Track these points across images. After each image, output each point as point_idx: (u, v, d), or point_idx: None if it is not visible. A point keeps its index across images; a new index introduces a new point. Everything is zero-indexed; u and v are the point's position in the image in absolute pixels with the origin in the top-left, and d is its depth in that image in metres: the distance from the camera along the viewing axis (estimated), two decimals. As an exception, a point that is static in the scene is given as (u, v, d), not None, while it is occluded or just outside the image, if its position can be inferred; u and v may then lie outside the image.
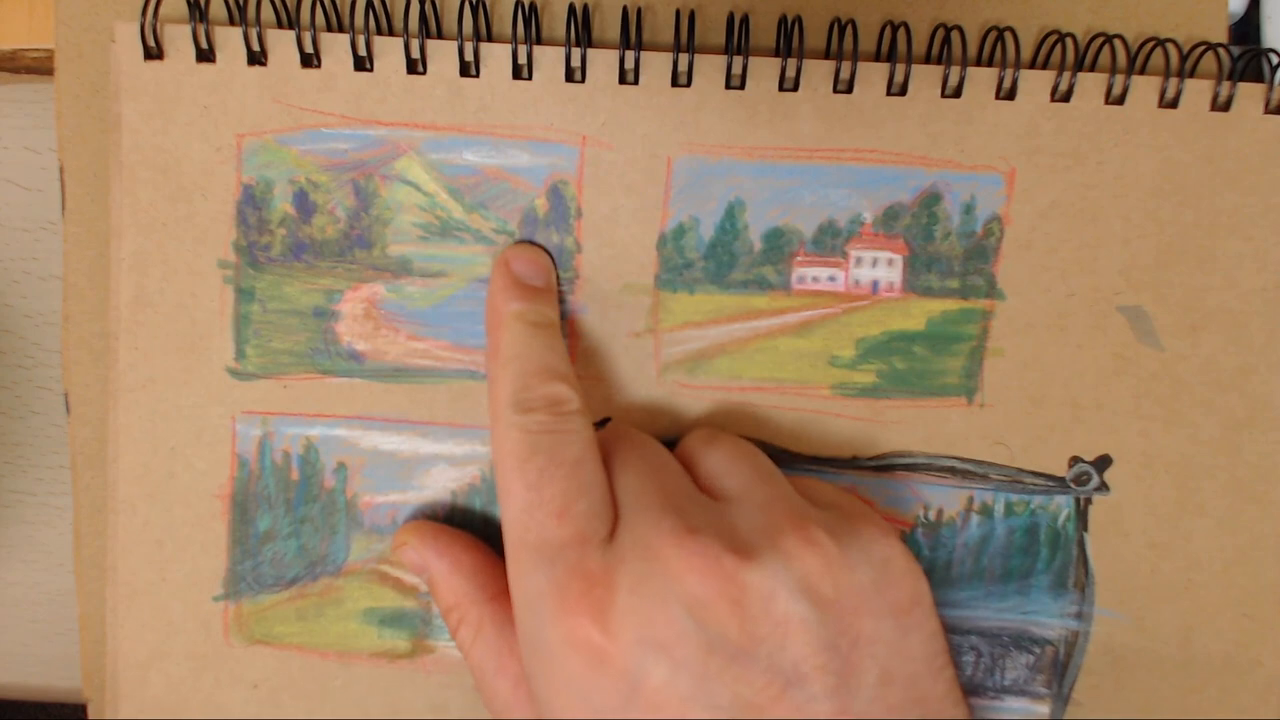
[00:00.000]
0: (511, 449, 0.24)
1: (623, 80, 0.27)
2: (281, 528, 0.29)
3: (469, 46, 0.27)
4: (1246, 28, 0.29)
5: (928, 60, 0.27)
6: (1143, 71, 0.27)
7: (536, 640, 0.22)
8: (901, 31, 0.27)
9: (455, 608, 0.26)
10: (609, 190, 0.27)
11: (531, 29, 0.27)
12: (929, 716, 0.22)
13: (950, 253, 0.28)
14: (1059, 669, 0.29)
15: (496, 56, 0.27)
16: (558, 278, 0.28)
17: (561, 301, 0.28)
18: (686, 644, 0.21)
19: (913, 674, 0.23)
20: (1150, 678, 0.29)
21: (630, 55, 0.27)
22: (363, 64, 0.27)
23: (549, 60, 0.27)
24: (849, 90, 0.27)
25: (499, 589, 0.26)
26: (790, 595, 0.22)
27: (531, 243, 0.27)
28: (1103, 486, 0.28)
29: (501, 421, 0.24)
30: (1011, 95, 0.27)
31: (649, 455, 0.25)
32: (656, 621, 0.21)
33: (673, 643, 0.21)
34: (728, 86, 0.27)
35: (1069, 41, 0.27)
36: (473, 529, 0.28)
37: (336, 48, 0.27)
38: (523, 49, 0.27)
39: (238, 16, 0.27)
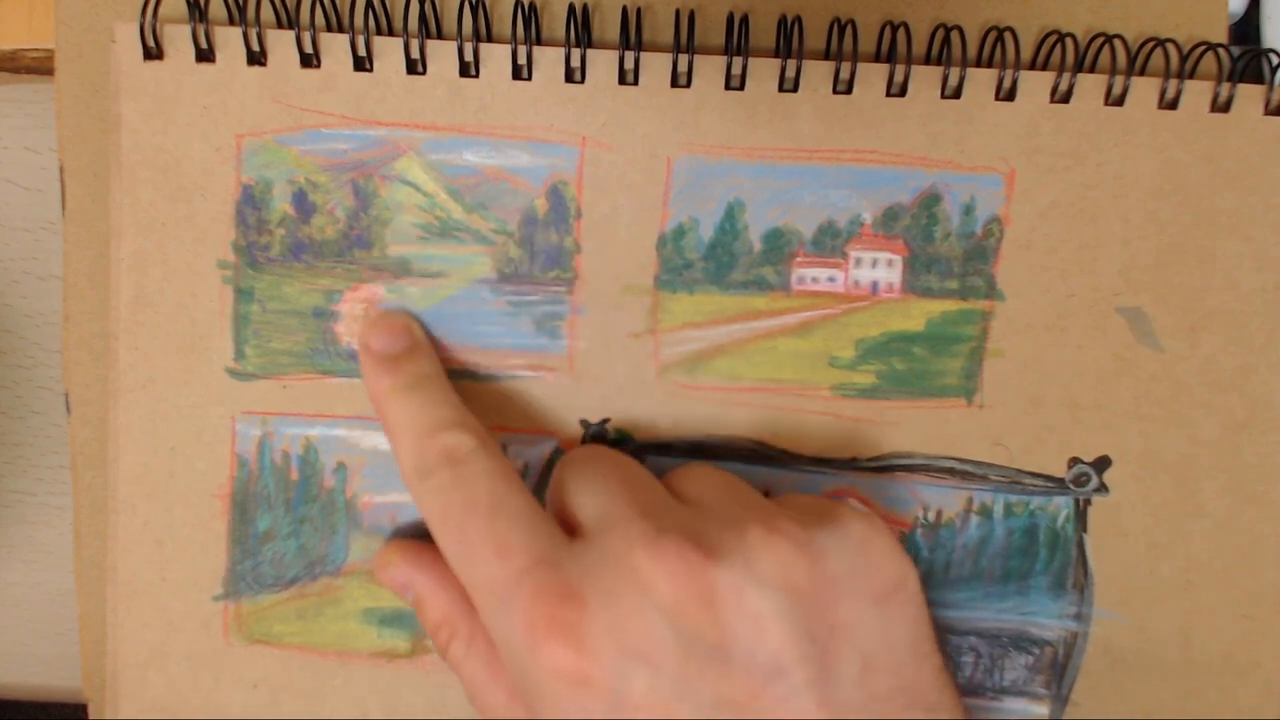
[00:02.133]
0: (430, 516, 0.24)
1: (622, 81, 0.27)
2: (281, 528, 0.29)
3: (469, 47, 0.27)
4: (1246, 28, 0.29)
5: (928, 61, 0.27)
6: (1143, 72, 0.27)
7: (520, 672, 0.22)
8: (901, 32, 0.27)
9: (444, 624, 0.26)
10: (609, 190, 0.27)
11: (531, 29, 0.27)
12: (914, 704, 0.22)
13: (950, 253, 0.28)
14: (1058, 670, 0.29)
15: (496, 57, 0.27)
16: (422, 326, 0.28)
17: (561, 301, 0.28)
18: (664, 650, 0.21)
19: (897, 661, 0.22)
20: (1149, 679, 0.29)
21: (630, 55, 0.27)
22: (363, 64, 0.27)
23: (549, 60, 0.27)
24: (849, 91, 0.27)
25: None
26: (761, 589, 0.21)
27: (387, 311, 0.28)
28: (1102, 487, 0.28)
29: (414, 493, 0.25)
30: (1011, 96, 0.27)
31: (616, 467, 0.25)
32: (632, 631, 0.21)
33: (651, 650, 0.21)
34: (727, 87, 0.27)
35: (1069, 42, 0.27)
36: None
37: (336, 48, 0.27)
38: (523, 49, 0.27)
39: (238, 16, 0.27)
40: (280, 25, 0.27)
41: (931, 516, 0.29)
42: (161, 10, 0.27)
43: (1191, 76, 0.27)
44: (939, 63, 0.27)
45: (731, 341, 0.28)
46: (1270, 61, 0.27)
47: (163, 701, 0.29)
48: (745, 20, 0.27)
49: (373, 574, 0.29)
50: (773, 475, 0.28)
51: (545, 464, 0.28)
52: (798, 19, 0.27)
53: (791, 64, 0.27)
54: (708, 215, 0.27)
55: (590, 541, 0.23)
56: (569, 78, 0.27)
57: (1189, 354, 0.28)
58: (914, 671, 0.23)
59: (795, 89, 0.27)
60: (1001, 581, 0.29)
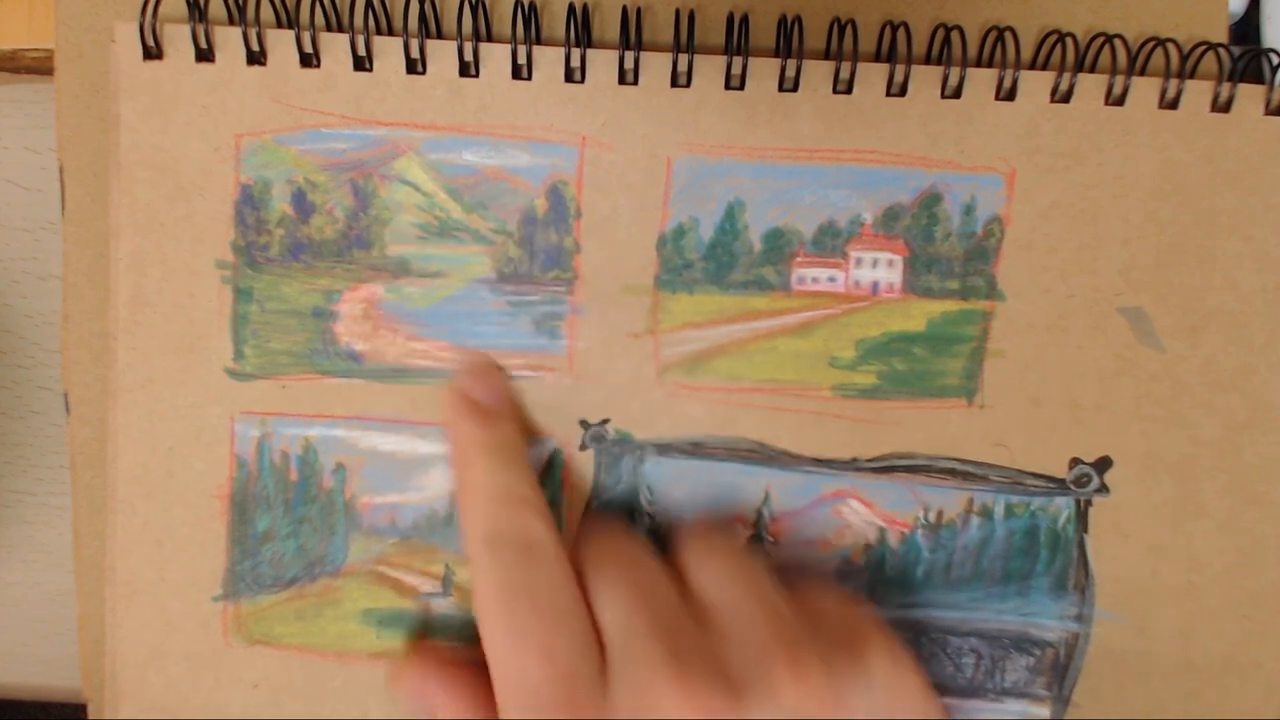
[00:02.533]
0: (488, 588, 0.24)
1: (622, 80, 0.27)
2: (280, 528, 0.29)
3: (469, 46, 0.27)
4: (1246, 28, 0.29)
5: (928, 60, 0.27)
6: (1143, 72, 0.27)
7: None
8: (901, 32, 0.27)
9: None
10: (609, 190, 0.27)
11: (531, 29, 0.27)
12: None
13: (950, 254, 0.27)
14: (1059, 671, 0.29)
15: (496, 56, 0.27)
16: (508, 380, 0.27)
17: (561, 301, 0.28)
18: None
19: None
20: (1150, 680, 0.29)
21: (630, 55, 0.27)
22: (362, 64, 0.27)
23: (549, 60, 0.27)
24: (849, 91, 0.27)
25: None
26: None
27: (487, 361, 0.27)
28: (1103, 488, 0.28)
29: (476, 558, 0.24)
30: (1011, 96, 0.27)
31: (635, 571, 0.24)
32: None
33: None
34: (727, 87, 0.27)
35: (1069, 41, 0.27)
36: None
37: (336, 48, 0.27)
38: (522, 49, 0.27)
39: (237, 16, 0.27)
40: (280, 25, 0.27)
41: (932, 517, 0.28)
42: (161, 10, 0.27)
43: (1191, 76, 0.27)
44: (939, 63, 0.27)
45: (731, 342, 0.28)
46: (1270, 61, 0.27)
47: (162, 702, 0.29)
48: (745, 20, 0.27)
49: (375, 574, 0.29)
50: (773, 475, 0.28)
51: (545, 464, 0.28)
52: (798, 19, 0.27)
53: (791, 64, 0.26)
54: (708, 215, 0.27)
55: (615, 661, 0.23)
56: (569, 78, 0.27)
57: (1190, 354, 0.28)
58: None
59: (795, 89, 0.27)
60: (1002, 582, 0.29)
